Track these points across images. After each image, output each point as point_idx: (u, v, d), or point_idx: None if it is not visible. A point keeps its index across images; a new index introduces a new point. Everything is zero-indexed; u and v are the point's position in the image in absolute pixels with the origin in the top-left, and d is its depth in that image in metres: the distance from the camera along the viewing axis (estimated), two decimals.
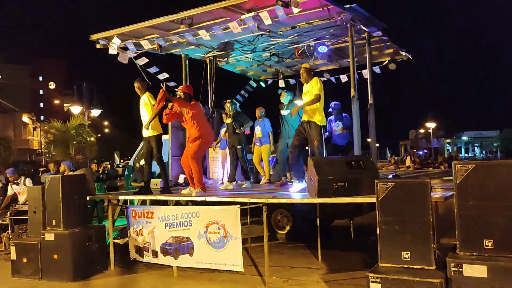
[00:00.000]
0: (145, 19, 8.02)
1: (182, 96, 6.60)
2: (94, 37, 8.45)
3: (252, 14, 7.24)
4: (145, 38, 8.46)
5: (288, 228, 8.50)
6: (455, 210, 3.88)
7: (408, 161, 23.97)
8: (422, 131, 60.02)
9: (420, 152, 42.93)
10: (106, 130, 50.35)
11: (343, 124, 9.20)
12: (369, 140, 12.00)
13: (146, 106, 7.11)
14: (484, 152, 65.85)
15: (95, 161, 14.77)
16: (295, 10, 6.39)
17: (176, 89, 7.09)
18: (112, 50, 8.48)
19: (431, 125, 53.77)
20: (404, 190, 4.08)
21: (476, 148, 67.66)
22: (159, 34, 8.34)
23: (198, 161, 6.52)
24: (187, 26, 7.61)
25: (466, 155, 62.65)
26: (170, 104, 6.59)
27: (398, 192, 4.09)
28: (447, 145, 63.49)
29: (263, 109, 9.08)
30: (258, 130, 8.92)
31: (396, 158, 34.27)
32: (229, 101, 8.62)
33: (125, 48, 8.76)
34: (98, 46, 8.49)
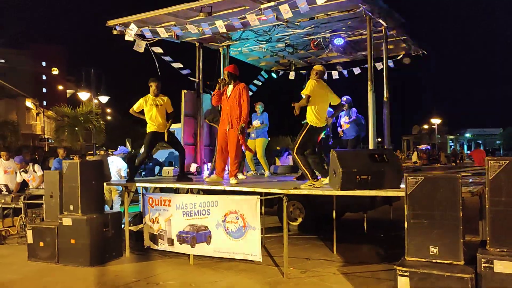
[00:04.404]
0: (156, 6, 8.00)
1: (226, 79, 6.77)
2: (111, 23, 8.40)
3: (273, 3, 7.19)
4: (162, 25, 8.41)
5: (300, 219, 8.52)
6: (487, 206, 3.86)
7: (415, 157, 23.95)
8: (426, 126, 59.86)
9: (423, 148, 42.83)
10: (108, 118, 50.11)
11: (349, 117, 9.18)
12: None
13: (163, 107, 7.16)
14: (486, 149, 65.79)
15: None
16: (319, 1, 6.33)
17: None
18: (128, 37, 8.43)
19: (436, 121, 53.62)
20: (434, 185, 4.05)
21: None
22: (177, 22, 8.29)
23: (239, 154, 6.85)
24: (206, 14, 7.55)
25: (469, 152, 62.51)
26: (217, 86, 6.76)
27: (427, 186, 4.07)
28: (450, 141, 63.34)
29: (262, 103, 9.24)
30: (257, 123, 9.07)
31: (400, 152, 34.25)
32: None
33: (140, 35, 8.72)
34: (114, 32, 8.46)
